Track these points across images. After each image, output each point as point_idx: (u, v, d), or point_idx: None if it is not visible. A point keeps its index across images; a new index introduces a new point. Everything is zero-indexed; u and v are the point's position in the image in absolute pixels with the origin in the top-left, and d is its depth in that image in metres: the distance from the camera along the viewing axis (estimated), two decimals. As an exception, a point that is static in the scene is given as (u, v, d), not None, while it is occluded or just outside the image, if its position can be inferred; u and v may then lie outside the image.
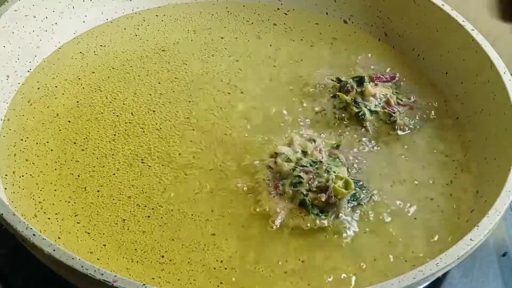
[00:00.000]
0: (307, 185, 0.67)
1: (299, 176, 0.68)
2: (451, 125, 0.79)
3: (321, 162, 0.70)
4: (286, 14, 0.93)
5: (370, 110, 0.77)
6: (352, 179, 0.69)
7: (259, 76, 0.83)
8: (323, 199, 0.66)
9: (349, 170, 0.71)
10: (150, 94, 0.79)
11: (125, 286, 0.53)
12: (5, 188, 0.67)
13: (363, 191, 0.69)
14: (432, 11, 0.84)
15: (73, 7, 0.85)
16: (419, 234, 0.67)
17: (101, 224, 0.65)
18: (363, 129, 0.76)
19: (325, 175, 0.68)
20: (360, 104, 0.78)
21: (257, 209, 0.67)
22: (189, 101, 0.78)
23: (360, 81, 0.80)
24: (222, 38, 0.89)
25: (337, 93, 0.79)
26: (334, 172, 0.68)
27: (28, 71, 0.80)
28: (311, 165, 0.69)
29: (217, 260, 0.63)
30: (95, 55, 0.84)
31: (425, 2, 0.85)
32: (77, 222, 0.65)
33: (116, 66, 0.83)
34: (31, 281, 0.67)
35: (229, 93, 0.80)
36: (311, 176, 0.68)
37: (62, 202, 0.67)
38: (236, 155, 0.72)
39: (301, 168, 0.69)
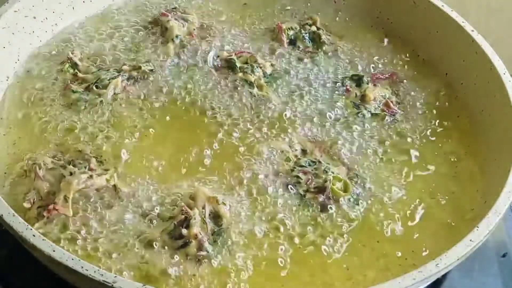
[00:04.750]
0: (305, 185, 0.68)
1: (298, 177, 0.68)
2: (451, 125, 0.78)
3: (319, 162, 0.70)
4: (286, 13, 0.93)
5: (370, 112, 0.77)
6: (351, 178, 0.69)
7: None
8: (320, 200, 0.66)
9: (349, 169, 0.71)
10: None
11: (125, 287, 0.53)
12: (4, 187, 0.67)
13: (362, 190, 0.69)
14: (432, 11, 0.84)
15: (73, 8, 0.85)
16: (418, 234, 0.67)
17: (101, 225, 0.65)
18: (363, 129, 0.76)
19: (323, 175, 0.68)
20: (360, 106, 0.78)
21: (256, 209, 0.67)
22: (191, 102, 0.78)
23: (359, 80, 0.80)
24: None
25: (335, 95, 0.79)
26: (333, 172, 0.68)
27: (28, 71, 0.80)
28: (310, 165, 0.69)
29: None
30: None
31: (425, 2, 0.85)
32: (77, 222, 0.65)
33: (117, 66, 0.82)
34: (31, 281, 0.67)
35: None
36: (309, 177, 0.68)
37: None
38: (234, 153, 0.72)
39: (299, 168, 0.69)
